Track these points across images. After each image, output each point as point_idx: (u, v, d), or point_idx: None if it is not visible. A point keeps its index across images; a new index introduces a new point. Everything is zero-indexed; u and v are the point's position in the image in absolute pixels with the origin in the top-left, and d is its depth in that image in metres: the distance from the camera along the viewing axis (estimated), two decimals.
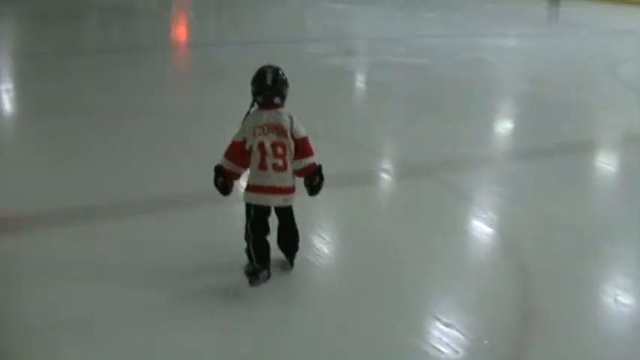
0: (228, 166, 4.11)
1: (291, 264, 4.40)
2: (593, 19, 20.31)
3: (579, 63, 13.00)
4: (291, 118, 4.08)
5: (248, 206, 4.15)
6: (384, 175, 6.58)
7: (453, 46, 14.24)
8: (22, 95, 9.21)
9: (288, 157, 4.06)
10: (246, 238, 4.21)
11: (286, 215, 4.25)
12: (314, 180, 4.14)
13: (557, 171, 6.68)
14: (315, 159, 4.13)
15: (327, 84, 10.38)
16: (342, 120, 8.24)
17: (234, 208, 4.76)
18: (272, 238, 4.25)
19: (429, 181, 6.31)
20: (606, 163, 7.32)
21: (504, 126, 8.86)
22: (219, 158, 4.15)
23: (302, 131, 4.10)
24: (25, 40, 13.83)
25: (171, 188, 5.71)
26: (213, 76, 10.41)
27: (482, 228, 5.32)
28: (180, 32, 16.82)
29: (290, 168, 4.07)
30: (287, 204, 4.18)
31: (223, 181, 4.13)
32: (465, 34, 16.26)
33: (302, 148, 4.10)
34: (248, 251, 4.22)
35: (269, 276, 4.20)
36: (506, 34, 16.58)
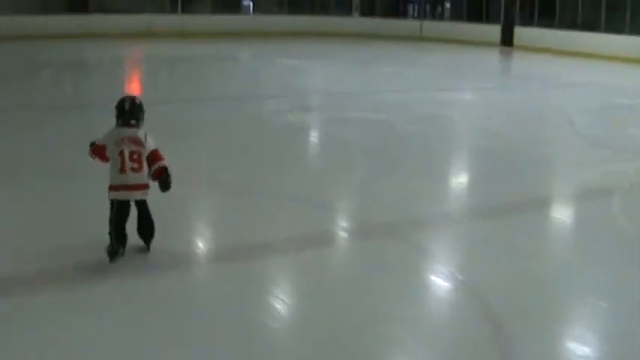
0: (95, 155, 5.43)
1: (148, 248, 5.42)
2: (544, 71, 20.66)
3: (535, 116, 13.11)
4: (145, 134, 5.36)
5: (112, 201, 5.28)
6: (344, 235, 6.44)
7: (410, 100, 14.31)
8: None
9: (144, 162, 5.28)
10: (110, 225, 5.25)
11: (143, 206, 5.39)
12: (165, 178, 5.38)
13: (519, 226, 6.61)
14: (164, 163, 5.36)
15: (284, 141, 10.27)
16: (301, 178, 8.12)
17: None
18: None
19: (390, 240, 6.18)
20: (565, 216, 7.31)
21: (464, 182, 8.80)
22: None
23: (152, 145, 5.38)
24: None
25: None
26: (169, 134, 10.24)
27: (447, 287, 5.19)
28: (134, 89, 16.66)
29: (145, 170, 5.30)
30: (145, 197, 5.36)
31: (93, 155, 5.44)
32: (422, 88, 16.38)
33: (154, 156, 5.35)
34: (110, 235, 5.24)
35: (123, 254, 5.27)
36: (462, 88, 16.73)
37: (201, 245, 6.01)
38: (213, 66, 20.22)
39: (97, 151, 5.38)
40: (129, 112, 5.38)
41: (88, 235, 5.72)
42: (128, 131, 5.32)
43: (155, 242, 5.38)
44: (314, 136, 11.32)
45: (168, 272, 5.23)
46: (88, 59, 21.60)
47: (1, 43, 22.52)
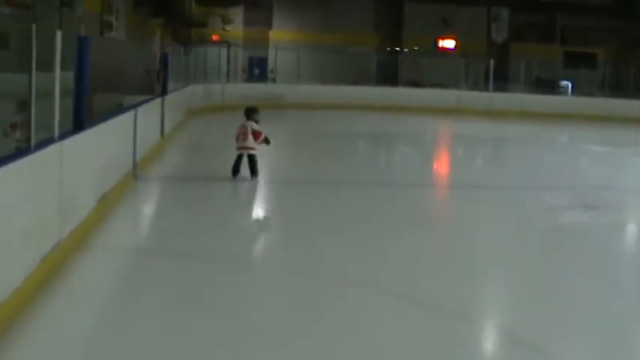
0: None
1: (255, 175, 11.45)
2: None
3: None
4: (253, 124, 11.57)
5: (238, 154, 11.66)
6: None
7: None
8: None
9: (249, 136, 11.40)
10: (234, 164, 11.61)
11: (251, 159, 11.41)
12: (263, 140, 11.57)
13: None
14: (260, 135, 11.47)
15: (549, 247, 8.61)
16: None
17: None
18: None
19: None
20: None
21: None
22: None
23: (255, 127, 11.51)
24: None
25: None
26: (420, 222, 9.92)
27: None
28: (442, 169, 16.72)
29: (249, 139, 11.38)
30: (250, 153, 11.44)
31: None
32: None
33: (255, 133, 11.46)
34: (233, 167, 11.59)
35: (235, 178, 11.54)
36: None
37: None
38: (513, 149, 19.80)
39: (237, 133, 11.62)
40: (247, 112, 11.67)
41: None
42: (246, 122, 11.50)
43: None
44: (589, 244, 8.85)
45: None
46: (396, 132, 22.13)
47: (318, 111, 23.91)
